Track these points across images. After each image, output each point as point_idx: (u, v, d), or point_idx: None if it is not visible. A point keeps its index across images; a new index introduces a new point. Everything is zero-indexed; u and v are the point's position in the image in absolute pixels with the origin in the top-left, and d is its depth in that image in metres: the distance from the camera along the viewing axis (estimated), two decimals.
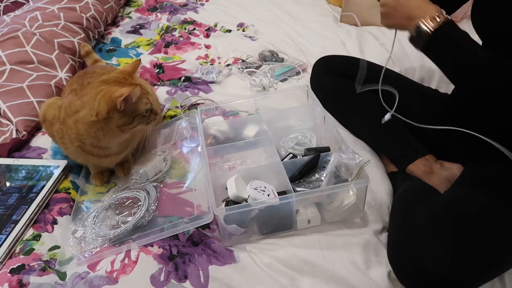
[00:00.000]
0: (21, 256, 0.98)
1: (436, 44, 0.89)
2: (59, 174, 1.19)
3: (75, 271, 0.94)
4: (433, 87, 1.50)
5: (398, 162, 1.20)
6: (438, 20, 0.88)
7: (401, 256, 0.91)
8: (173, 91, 1.58)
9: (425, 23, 0.88)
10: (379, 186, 1.14)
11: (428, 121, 1.20)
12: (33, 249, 1.00)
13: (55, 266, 0.96)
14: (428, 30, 0.88)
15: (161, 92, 1.57)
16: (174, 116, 1.44)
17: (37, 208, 1.08)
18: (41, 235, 1.04)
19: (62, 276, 0.94)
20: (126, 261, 0.95)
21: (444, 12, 0.89)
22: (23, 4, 2.04)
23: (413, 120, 1.23)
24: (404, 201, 1.07)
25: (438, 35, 0.88)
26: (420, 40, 0.90)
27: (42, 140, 1.34)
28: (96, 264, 0.96)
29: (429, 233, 0.89)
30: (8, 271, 0.93)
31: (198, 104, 1.49)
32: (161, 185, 1.16)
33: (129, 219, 1.03)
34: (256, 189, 0.97)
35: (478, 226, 0.87)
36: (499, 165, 1.01)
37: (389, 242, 0.99)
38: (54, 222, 1.08)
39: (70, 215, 1.11)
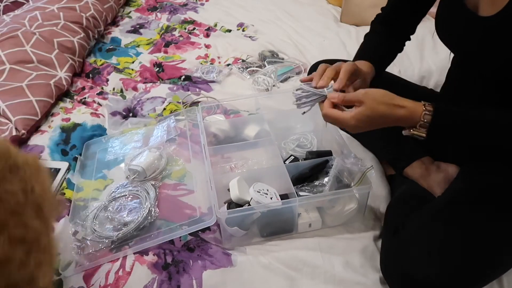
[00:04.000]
0: None
1: (438, 136, 0.85)
2: (62, 177, 1.18)
3: (71, 285, 0.93)
4: (432, 86, 1.50)
5: (395, 165, 1.19)
6: (426, 118, 0.83)
7: (392, 265, 0.91)
8: (175, 88, 1.58)
9: (414, 132, 0.84)
10: (379, 190, 1.13)
11: None
12: None
13: None
14: (423, 135, 0.84)
15: (163, 89, 1.57)
16: (175, 110, 1.44)
17: None
18: None
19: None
20: (120, 272, 0.94)
21: (427, 104, 0.84)
22: (23, 4, 2.04)
23: None
24: (397, 209, 1.06)
25: (436, 130, 0.83)
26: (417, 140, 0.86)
27: (39, 138, 1.33)
28: (91, 276, 0.94)
29: (419, 242, 0.88)
30: None
31: (200, 102, 1.48)
32: (160, 184, 1.15)
33: (128, 219, 1.02)
34: (259, 192, 0.97)
35: (469, 235, 0.87)
36: (495, 165, 1.00)
37: (382, 250, 0.99)
38: None
39: (67, 215, 1.07)
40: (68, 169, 1.23)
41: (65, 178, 1.20)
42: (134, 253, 0.96)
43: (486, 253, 0.85)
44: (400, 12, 1.14)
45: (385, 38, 1.18)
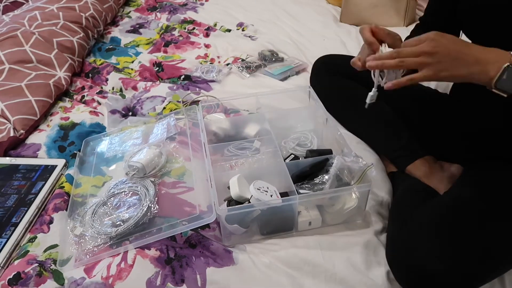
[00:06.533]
0: (15, 262, 0.94)
1: None
2: (58, 173, 1.18)
3: (71, 275, 0.92)
4: (433, 87, 1.50)
5: (397, 162, 1.19)
6: None
7: (400, 257, 0.91)
8: (174, 87, 1.57)
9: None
10: (379, 186, 1.13)
11: (428, 122, 1.21)
12: (28, 251, 0.97)
13: (50, 266, 0.94)
14: None
15: (163, 88, 1.56)
16: (175, 109, 1.44)
17: (36, 210, 1.07)
18: (36, 237, 1.01)
19: (59, 280, 0.92)
20: (122, 265, 0.93)
21: None
22: (23, 4, 2.04)
23: (413, 121, 1.23)
24: (403, 202, 1.06)
25: None
26: None
27: (36, 137, 1.33)
28: (92, 269, 0.93)
29: (428, 235, 0.88)
30: (6, 282, 0.90)
31: (199, 101, 1.48)
32: (159, 181, 1.13)
33: (127, 215, 1.01)
34: (259, 190, 0.96)
35: (477, 229, 0.87)
36: (498, 165, 1.01)
37: (388, 243, 0.98)
38: (50, 222, 1.05)
39: (65, 210, 1.07)
40: (66, 166, 1.22)
41: (62, 174, 1.19)
42: (135, 248, 0.96)
43: (496, 249, 0.85)
44: (438, 14, 1.13)
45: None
